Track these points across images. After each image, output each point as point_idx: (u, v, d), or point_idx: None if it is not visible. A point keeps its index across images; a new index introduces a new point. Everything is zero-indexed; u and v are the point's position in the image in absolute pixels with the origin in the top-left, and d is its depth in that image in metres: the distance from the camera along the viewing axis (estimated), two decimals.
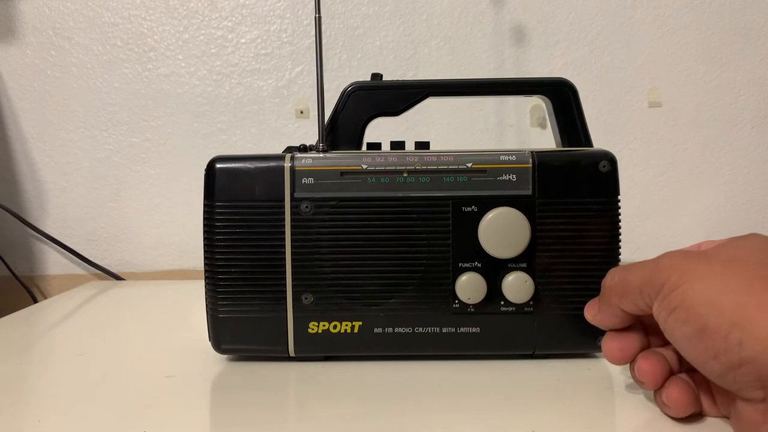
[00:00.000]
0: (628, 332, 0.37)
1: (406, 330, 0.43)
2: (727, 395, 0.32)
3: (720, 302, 0.29)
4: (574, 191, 0.43)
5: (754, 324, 0.27)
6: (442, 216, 0.43)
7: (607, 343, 0.37)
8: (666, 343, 0.36)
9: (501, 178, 0.43)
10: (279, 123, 0.83)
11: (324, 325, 0.43)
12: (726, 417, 0.33)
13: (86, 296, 0.71)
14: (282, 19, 0.82)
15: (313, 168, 0.43)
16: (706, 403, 0.34)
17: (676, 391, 0.33)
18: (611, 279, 0.36)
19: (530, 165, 0.43)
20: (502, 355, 0.44)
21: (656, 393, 0.35)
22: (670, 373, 0.35)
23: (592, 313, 0.38)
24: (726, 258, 0.31)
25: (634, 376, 0.36)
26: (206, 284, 0.44)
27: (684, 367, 0.35)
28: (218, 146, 0.82)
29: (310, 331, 0.43)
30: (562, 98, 0.46)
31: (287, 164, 0.43)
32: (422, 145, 0.45)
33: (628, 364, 0.37)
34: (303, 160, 0.43)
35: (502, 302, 0.43)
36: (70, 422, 0.35)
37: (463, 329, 0.43)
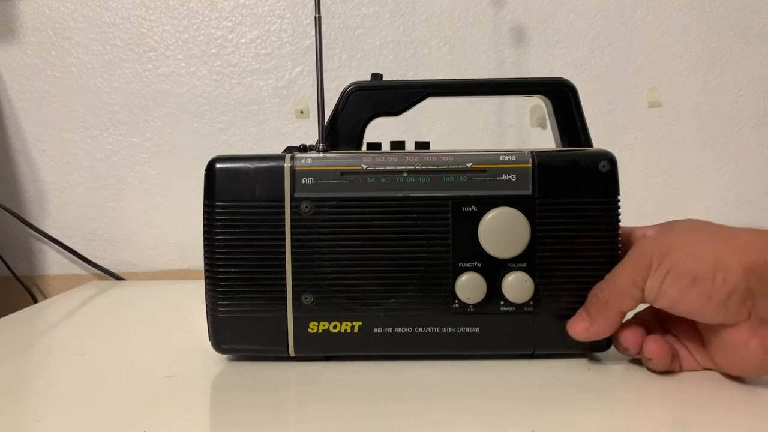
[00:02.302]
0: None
1: (406, 330, 0.43)
2: (701, 347, 0.40)
3: (701, 256, 0.37)
4: (573, 191, 0.43)
5: (729, 263, 0.36)
6: (442, 216, 0.43)
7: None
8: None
9: (501, 178, 0.43)
10: (279, 123, 0.83)
11: (324, 325, 0.43)
12: (705, 369, 0.40)
13: (86, 296, 0.71)
14: (282, 19, 0.82)
15: (313, 168, 0.43)
16: (686, 359, 0.41)
17: (653, 344, 0.40)
18: (602, 292, 0.41)
19: (530, 165, 0.43)
20: (502, 355, 0.44)
21: (642, 356, 0.41)
22: None
23: (583, 327, 0.41)
24: (685, 231, 0.41)
25: (618, 347, 0.42)
26: (206, 284, 0.44)
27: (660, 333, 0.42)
28: (218, 146, 0.82)
29: (310, 331, 0.43)
30: (562, 98, 0.46)
31: (287, 164, 0.43)
32: (422, 145, 0.45)
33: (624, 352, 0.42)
34: (303, 160, 0.43)
35: (502, 302, 0.43)
36: (70, 422, 0.35)
37: (463, 329, 0.43)
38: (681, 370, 0.41)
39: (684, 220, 0.43)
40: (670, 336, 0.42)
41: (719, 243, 0.37)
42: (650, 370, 0.41)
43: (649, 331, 0.42)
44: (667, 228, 0.42)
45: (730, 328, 0.37)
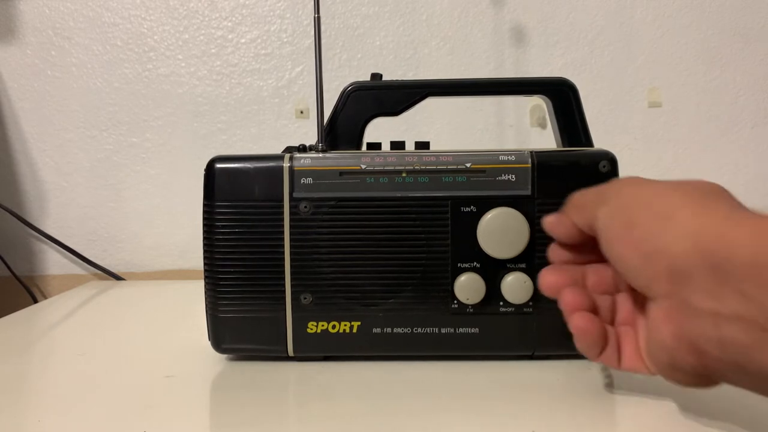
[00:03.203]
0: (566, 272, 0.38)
1: (405, 330, 0.43)
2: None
3: (653, 202, 0.31)
4: (573, 191, 0.42)
5: (675, 218, 0.29)
6: (441, 216, 0.43)
7: (543, 276, 0.38)
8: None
9: (500, 178, 0.43)
10: (279, 123, 0.83)
11: (323, 325, 0.43)
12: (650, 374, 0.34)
13: (86, 296, 0.71)
14: (282, 19, 0.82)
15: (312, 168, 0.43)
16: (628, 356, 0.35)
17: (581, 320, 0.35)
18: (575, 194, 0.37)
19: (529, 165, 0.43)
20: (502, 356, 0.44)
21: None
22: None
23: (549, 221, 0.38)
24: (669, 182, 0.33)
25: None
26: (206, 284, 0.44)
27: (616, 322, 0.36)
28: (218, 146, 0.82)
29: (309, 331, 0.43)
30: (562, 98, 0.46)
31: (286, 164, 0.43)
32: (422, 145, 0.45)
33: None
34: (302, 160, 0.43)
35: (502, 303, 0.43)
36: (70, 422, 0.35)
37: (462, 330, 0.43)
38: (619, 366, 0.35)
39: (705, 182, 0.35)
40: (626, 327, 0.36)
41: (685, 197, 0.31)
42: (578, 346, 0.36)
43: (603, 315, 0.36)
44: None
45: (653, 303, 0.31)
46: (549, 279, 0.37)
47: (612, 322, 0.36)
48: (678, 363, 0.30)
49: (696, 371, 0.30)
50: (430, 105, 0.80)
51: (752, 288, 0.26)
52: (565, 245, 0.38)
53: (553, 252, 0.39)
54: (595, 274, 0.37)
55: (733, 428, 0.33)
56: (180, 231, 0.83)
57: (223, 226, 0.43)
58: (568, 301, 0.36)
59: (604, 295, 0.37)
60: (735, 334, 0.26)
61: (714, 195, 0.31)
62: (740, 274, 0.26)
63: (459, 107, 0.82)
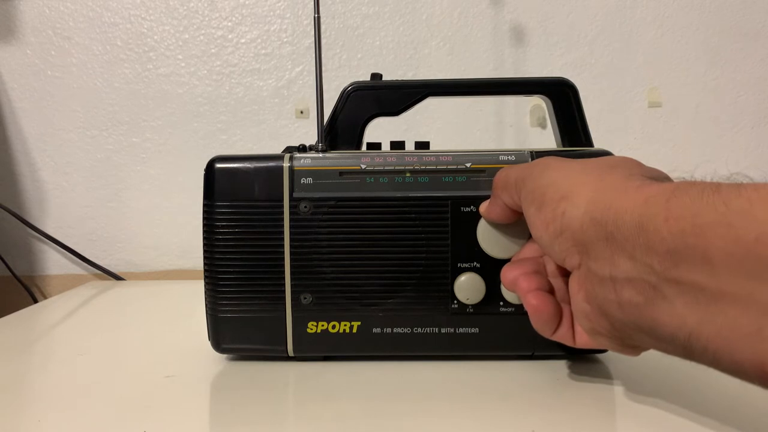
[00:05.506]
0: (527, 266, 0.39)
1: (405, 330, 0.43)
2: None
3: (558, 182, 0.33)
4: None
5: (576, 196, 0.32)
6: (441, 216, 0.43)
7: (503, 273, 0.39)
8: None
9: None
10: (279, 123, 0.83)
11: (323, 325, 0.43)
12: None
13: (86, 296, 0.71)
14: (282, 19, 0.82)
15: (312, 168, 0.43)
16: (580, 332, 0.36)
17: (534, 298, 0.36)
18: (498, 174, 0.39)
19: None
20: (502, 356, 0.44)
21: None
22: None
23: (484, 206, 0.41)
24: (576, 161, 0.35)
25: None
26: (206, 284, 0.44)
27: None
28: (218, 146, 0.82)
29: (309, 330, 0.43)
30: (562, 98, 0.46)
31: (286, 164, 0.43)
32: (422, 145, 0.45)
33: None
34: (302, 160, 0.43)
35: (501, 302, 0.43)
36: (70, 422, 0.35)
37: (462, 329, 0.43)
38: (574, 343, 0.37)
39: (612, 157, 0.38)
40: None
41: (590, 175, 0.32)
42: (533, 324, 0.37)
43: (560, 295, 0.37)
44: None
45: (572, 275, 0.33)
46: (509, 274, 0.38)
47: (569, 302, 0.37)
48: (596, 328, 0.32)
49: (612, 334, 0.31)
50: (430, 105, 0.80)
51: (639, 251, 0.28)
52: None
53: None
54: (551, 261, 0.38)
55: (734, 428, 0.33)
56: (180, 231, 0.83)
57: (223, 226, 0.43)
58: (523, 286, 0.37)
59: (561, 278, 0.38)
60: (630, 296, 0.28)
61: (613, 168, 0.33)
62: (628, 239, 0.28)
63: (459, 107, 0.82)
